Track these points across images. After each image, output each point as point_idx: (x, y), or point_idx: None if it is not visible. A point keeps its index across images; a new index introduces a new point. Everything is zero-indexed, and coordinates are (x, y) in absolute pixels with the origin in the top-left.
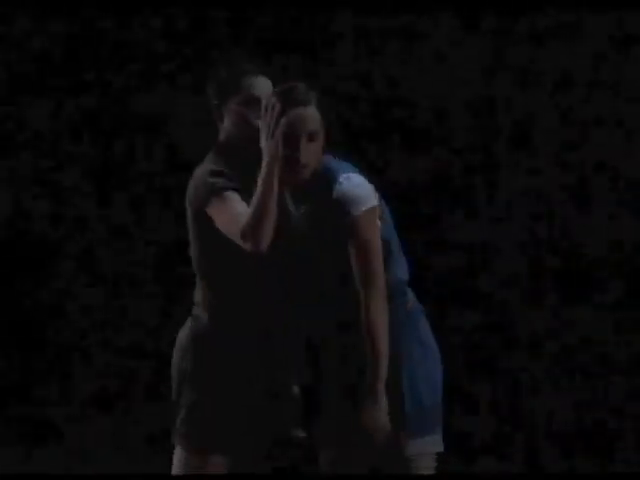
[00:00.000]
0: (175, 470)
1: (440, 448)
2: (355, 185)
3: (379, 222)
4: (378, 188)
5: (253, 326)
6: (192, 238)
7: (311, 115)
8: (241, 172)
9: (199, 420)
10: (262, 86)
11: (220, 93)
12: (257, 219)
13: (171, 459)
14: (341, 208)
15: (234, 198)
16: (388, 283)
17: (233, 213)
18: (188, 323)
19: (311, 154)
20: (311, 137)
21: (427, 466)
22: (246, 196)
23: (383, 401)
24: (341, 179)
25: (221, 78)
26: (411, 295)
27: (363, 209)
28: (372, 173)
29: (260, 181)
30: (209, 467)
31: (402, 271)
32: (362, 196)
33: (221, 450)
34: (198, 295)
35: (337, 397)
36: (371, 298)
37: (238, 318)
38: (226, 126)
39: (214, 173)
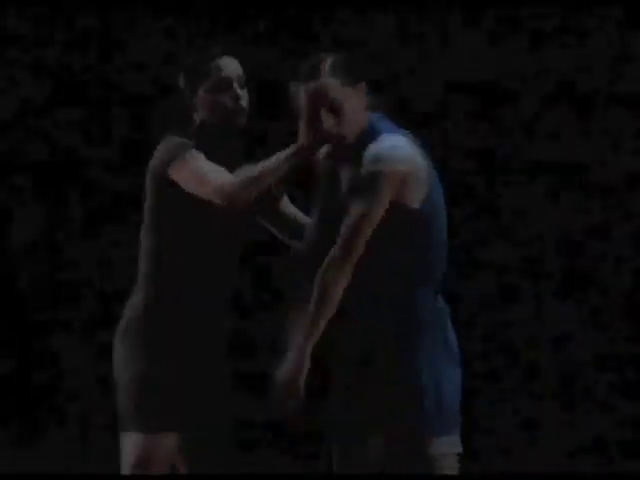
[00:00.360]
0: (127, 457)
1: (460, 449)
2: (389, 146)
3: (407, 190)
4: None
5: (214, 304)
6: (151, 209)
7: (321, 87)
8: (218, 160)
9: (153, 402)
10: (230, 66)
11: (190, 82)
12: (254, 183)
13: None
14: (365, 167)
15: (200, 157)
16: (435, 275)
17: (201, 166)
18: (135, 300)
19: (337, 123)
20: (331, 107)
21: (451, 466)
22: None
23: (304, 361)
24: (380, 139)
25: (189, 66)
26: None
27: (383, 168)
28: None
29: (276, 156)
30: (162, 449)
31: (443, 266)
32: (391, 156)
33: (175, 430)
34: (148, 271)
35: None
36: (333, 260)
37: (199, 294)
38: (200, 114)
39: (179, 142)
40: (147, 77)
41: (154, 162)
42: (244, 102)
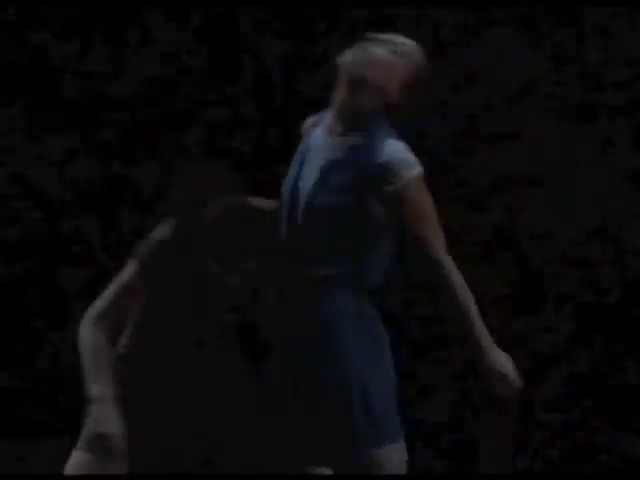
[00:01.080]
0: (71, 471)
1: (405, 455)
2: (403, 150)
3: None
4: None
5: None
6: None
7: (343, 67)
8: None
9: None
10: None
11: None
12: None
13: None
14: (390, 172)
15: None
16: (368, 275)
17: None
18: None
19: (358, 99)
20: (354, 86)
21: (399, 472)
22: None
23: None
24: (386, 143)
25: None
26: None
27: (416, 172)
28: None
29: None
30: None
31: (383, 269)
32: (413, 160)
33: (125, 457)
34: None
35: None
36: (445, 269)
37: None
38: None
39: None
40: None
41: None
42: None
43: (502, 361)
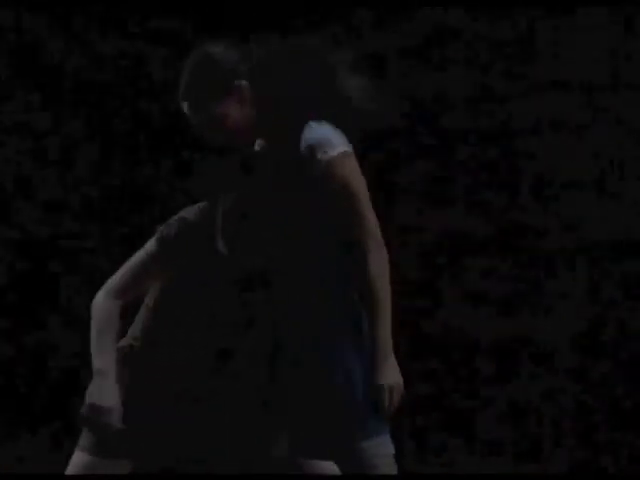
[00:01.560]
0: (74, 471)
1: (392, 449)
2: (326, 130)
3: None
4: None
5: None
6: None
7: None
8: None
9: (120, 431)
10: None
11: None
12: None
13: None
14: (313, 153)
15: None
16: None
17: None
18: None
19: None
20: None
21: (388, 467)
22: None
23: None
24: (308, 126)
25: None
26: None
27: (339, 150)
28: None
29: None
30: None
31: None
32: (337, 139)
33: (130, 458)
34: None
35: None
36: (369, 250)
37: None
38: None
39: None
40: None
41: None
42: None
43: (390, 380)
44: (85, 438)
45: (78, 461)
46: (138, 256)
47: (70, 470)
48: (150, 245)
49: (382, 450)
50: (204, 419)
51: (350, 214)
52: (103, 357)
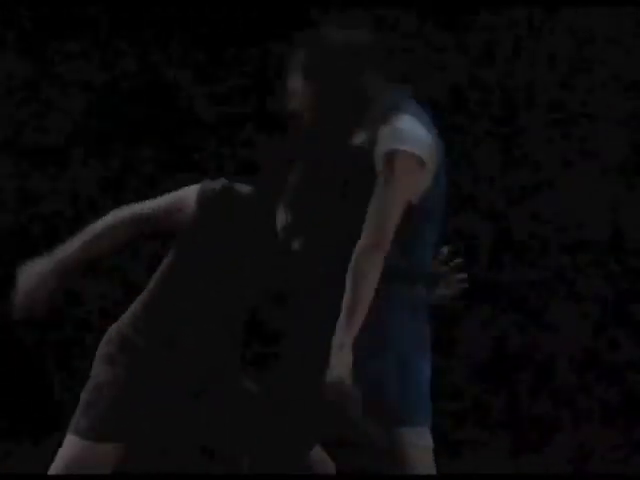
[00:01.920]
0: (59, 458)
1: (431, 443)
2: (410, 125)
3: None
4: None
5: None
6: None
7: None
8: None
9: (114, 416)
10: None
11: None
12: None
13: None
14: (383, 139)
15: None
16: (411, 265)
17: None
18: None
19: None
20: None
21: (421, 459)
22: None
23: (346, 358)
24: (397, 116)
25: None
26: (423, 286)
27: (405, 147)
28: None
29: None
30: (107, 457)
31: (429, 261)
32: (413, 138)
33: (122, 440)
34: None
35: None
36: (364, 250)
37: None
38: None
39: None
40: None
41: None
42: None
43: (336, 372)
44: (77, 421)
45: (69, 445)
46: (163, 199)
47: (61, 454)
48: (180, 193)
49: (421, 441)
50: (204, 404)
51: (370, 210)
52: (66, 250)
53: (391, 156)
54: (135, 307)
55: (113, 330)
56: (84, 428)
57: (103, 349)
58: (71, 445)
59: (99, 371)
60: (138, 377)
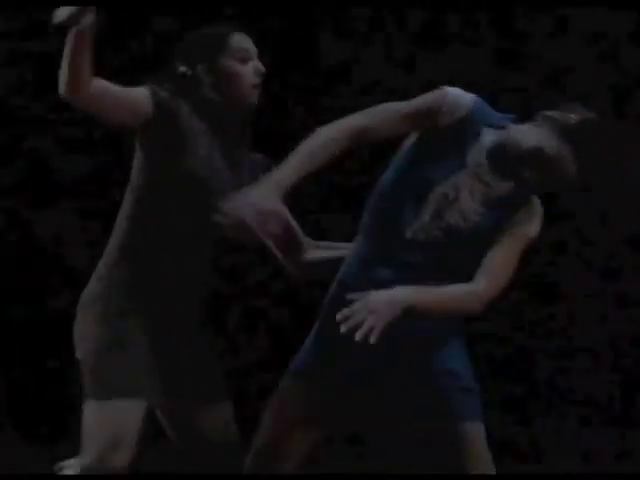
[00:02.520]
0: (86, 427)
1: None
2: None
3: None
4: None
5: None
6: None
7: None
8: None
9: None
10: (248, 41)
11: (207, 52)
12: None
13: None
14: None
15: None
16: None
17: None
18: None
19: None
20: None
21: (482, 450)
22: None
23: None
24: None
25: (208, 36)
26: None
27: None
28: None
29: None
30: (133, 413)
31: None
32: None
33: (139, 396)
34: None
35: None
36: (482, 298)
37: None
38: (208, 90)
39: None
40: None
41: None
42: (260, 79)
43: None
44: (88, 386)
45: (90, 411)
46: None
47: (86, 422)
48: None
49: (484, 436)
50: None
51: (498, 261)
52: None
53: (529, 241)
54: (106, 259)
55: (96, 290)
56: (95, 390)
57: (90, 309)
58: (90, 411)
59: (96, 333)
60: (137, 331)
